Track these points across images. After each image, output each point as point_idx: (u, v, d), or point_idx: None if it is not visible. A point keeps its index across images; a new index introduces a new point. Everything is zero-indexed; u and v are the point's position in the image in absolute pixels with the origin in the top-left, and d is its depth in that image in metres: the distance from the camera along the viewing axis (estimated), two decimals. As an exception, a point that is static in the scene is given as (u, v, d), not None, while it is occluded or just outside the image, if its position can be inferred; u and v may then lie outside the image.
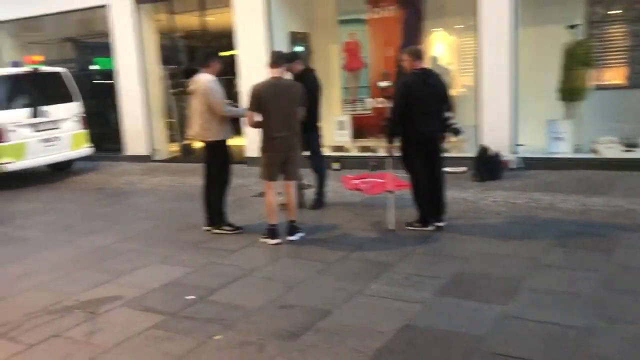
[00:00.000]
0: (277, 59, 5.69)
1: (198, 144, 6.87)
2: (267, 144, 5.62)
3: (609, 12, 9.04)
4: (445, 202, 5.86)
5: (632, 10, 8.88)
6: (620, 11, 8.99)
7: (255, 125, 5.67)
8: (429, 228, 5.78)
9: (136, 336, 3.84)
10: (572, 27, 8.58)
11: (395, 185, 6.19)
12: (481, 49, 8.36)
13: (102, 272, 5.19)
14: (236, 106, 6.58)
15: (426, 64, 5.80)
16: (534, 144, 8.68)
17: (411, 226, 5.87)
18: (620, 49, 9.05)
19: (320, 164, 6.96)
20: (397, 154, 5.78)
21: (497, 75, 8.25)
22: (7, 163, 9.34)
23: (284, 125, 5.53)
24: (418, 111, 5.52)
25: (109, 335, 3.88)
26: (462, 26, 9.81)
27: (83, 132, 10.60)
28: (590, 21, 9.09)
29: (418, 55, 5.69)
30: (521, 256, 4.94)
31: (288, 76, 6.21)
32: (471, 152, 8.36)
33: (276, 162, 5.63)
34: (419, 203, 5.84)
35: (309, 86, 6.49)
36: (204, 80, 5.88)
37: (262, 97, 5.50)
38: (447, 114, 5.70)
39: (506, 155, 8.21)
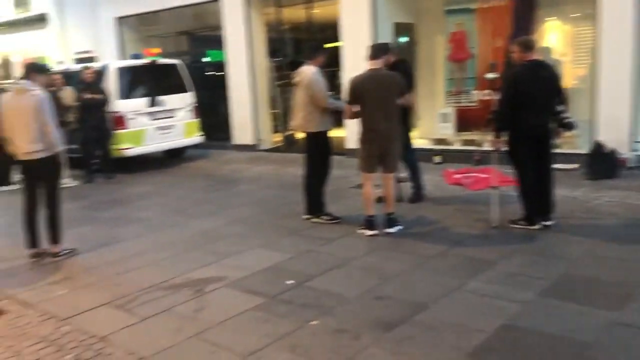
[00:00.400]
0: (376, 52, 5.67)
1: (300, 135, 7.02)
2: (365, 136, 5.64)
3: None
4: (553, 200, 5.57)
5: None
6: None
7: (354, 117, 5.72)
8: (535, 227, 5.53)
9: (238, 316, 4.04)
10: None
11: (500, 181, 5.99)
12: (600, 38, 7.82)
13: (209, 253, 5.49)
14: (339, 98, 6.65)
15: (538, 55, 5.51)
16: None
17: (516, 224, 5.65)
18: None
19: (411, 157, 6.82)
20: (504, 148, 5.58)
21: (617, 67, 7.68)
22: (127, 148, 10.08)
23: (382, 117, 5.51)
24: (528, 104, 5.28)
25: (214, 313, 4.11)
26: (579, 15, 9.22)
27: (195, 121, 11.20)
28: None
29: (529, 46, 5.43)
30: (636, 260, 4.60)
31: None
32: (584, 149, 7.87)
33: (374, 154, 5.63)
34: (525, 200, 5.60)
35: (408, 76, 6.46)
36: (309, 72, 6.00)
37: (359, 89, 5.53)
38: (560, 108, 5.41)
39: (624, 152, 7.64)
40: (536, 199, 5.57)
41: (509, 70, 9.35)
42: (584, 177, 7.53)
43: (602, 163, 7.49)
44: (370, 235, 5.65)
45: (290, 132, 11.62)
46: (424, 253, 5.10)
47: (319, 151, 6.22)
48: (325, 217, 6.25)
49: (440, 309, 3.93)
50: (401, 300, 4.12)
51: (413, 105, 5.77)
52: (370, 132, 5.59)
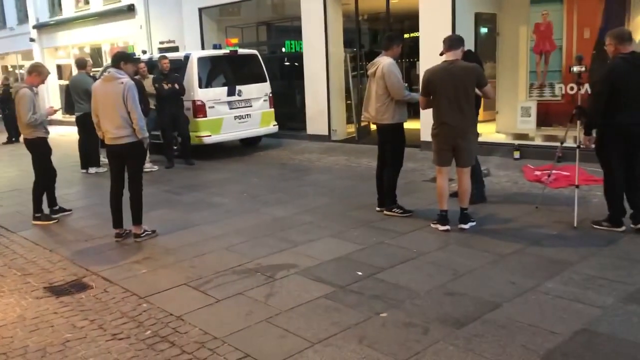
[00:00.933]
0: (453, 43, 5.50)
1: (373, 126, 6.97)
2: (437, 128, 5.53)
3: None
4: None
5: None
6: None
7: (427, 108, 5.63)
8: (621, 229, 5.25)
9: (308, 303, 4.10)
10: None
11: (583, 179, 5.72)
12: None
13: (281, 240, 5.59)
14: (416, 90, 6.55)
15: (634, 48, 5.18)
16: None
17: (599, 225, 5.38)
18: None
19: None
20: (593, 145, 5.30)
21: None
22: (206, 136, 10.42)
23: (455, 110, 5.38)
24: (623, 100, 4.98)
25: (284, 299, 4.19)
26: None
27: (271, 111, 11.41)
28: None
29: (625, 38, 5.09)
30: None
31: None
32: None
33: (446, 147, 5.51)
34: (612, 201, 5.31)
35: None
36: (384, 63, 5.96)
37: (432, 82, 5.43)
38: None
39: None
40: (622, 200, 5.28)
41: (598, 64, 8.95)
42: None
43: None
44: (443, 230, 5.57)
45: (364, 123, 11.60)
46: (499, 251, 4.96)
47: (393, 143, 6.18)
48: (397, 210, 6.21)
49: (514, 309, 3.82)
50: (473, 298, 4.04)
51: (492, 97, 5.54)
52: (442, 125, 5.48)
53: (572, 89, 9.16)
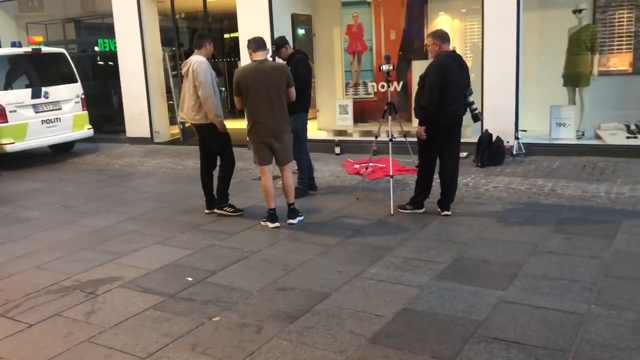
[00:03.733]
0: (258, 44, 5.53)
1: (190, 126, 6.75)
2: (252, 128, 5.56)
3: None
4: (455, 190, 5.83)
5: (639, -5, 8.78)
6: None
7: (242, 108, 5.66)
8: (421, 210, 5.82)
9: (135, 317, 3.85)
10: (577, 11, 8.48)
11: (396, 170, 6.18)
12: (486, 32, 8.27)
13: (102, 252, 5.20)
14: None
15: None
16: (537, 129, 8.63)
17: (404, 209, 5.89)
18: (626, 35, 8.96)
19: (299, 151, 6.45)
20: (424, 135, 5.59)
21: (502, 60, 8.18)
22: (8, 143, 9.33)
23: (266, 109, 5.41)
24: (448, 94, 5.43)
25: (108, 316, 3.90)
26: (467, 10, 9.71)
27: (84, 113, 10.57)
28: (596, 6, 9.00)
29: (446, 38, 5.58)
30: (521, 242, 4.93)
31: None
32: (473, 137, 8.32)
33: (262, 145, 5.55)
34: (421, 186, 5.83)
35: (301, 66, 6.46)
36: (195, 61, 5.82)
37: (242, 82, 5.43)
38: (470, 99, 5.64)
39: (509, 140, 8.17)
40: (429, 184, 5.81)
41: (404, 64, 9.73)
42: (473, 164, 7.97)
43: (489, 151, 7.96)
44: (273, 228, 5.62)
45: (188, 124, 11.29)
46: (325, 242, 5.15)
47: (213, 143, 6.06)
48: (228, 209, 6.14)
49: (341, 297, 3.99)
50: (303, 291, 4.13)
51: (292, 99, 5.64)
52: (255, 124, 5.50)
53: (382, 86, 9.86)
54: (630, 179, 6.75)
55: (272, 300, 4.01)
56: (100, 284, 4.45)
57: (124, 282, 4.47)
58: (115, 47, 11.68)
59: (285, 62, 6.59)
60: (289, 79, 5.52)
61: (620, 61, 9.07)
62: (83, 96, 10.55)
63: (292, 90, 5.58)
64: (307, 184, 6.81)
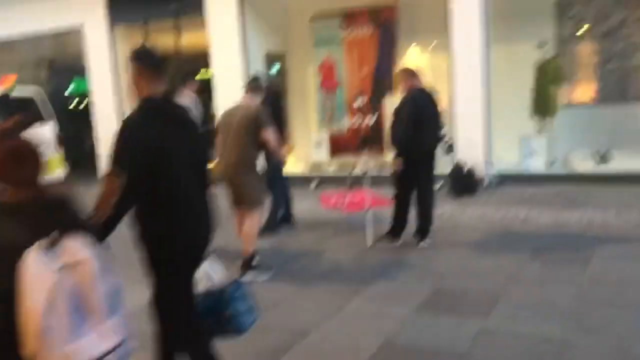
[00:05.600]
0: (249, 86, 5.52)
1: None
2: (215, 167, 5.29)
3: (577, 30, 9.30)
4: (431, 221, 5.88)
5: (600, 28, 9.15)
6: (589, 29, 9.25)
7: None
8: (398, 242, 5.87)
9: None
10: (542, 44, 8.78)
11: (374, 202, 6.21)
12: (454, 66, 8.49)
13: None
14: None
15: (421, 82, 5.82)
16: (508, 159, 8.81)
17: (381, 241, 5.93)
18: (589, 66, 9.29)
19: (272, 185, 6.41)
20: (401, 168, 5.65)
21: (471, 92, 8.38)
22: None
23: (228, 151, 5.21)
24: (422, 127, 5.53)
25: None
26: (435, 44, 9.98)
27: (57, 156, 10.42)
28: (560, 39, 9.33)
29: (416, 74, 5.73)
30: (498, 270, 4.97)
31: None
32: (446, 169, 8.44)
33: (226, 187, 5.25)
34: (397, 218, 5.88)
35: (268, 107, 6.53)
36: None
37: (218, 122, 5.43)
38: (442, 131, 5.76)
39: (481, 171, 8.30)
40: (407, 217, 5.86)
41: (376, 100, 9.89)
42: (447, 195, 8.06)
43: (462, 181, 8.08)
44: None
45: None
46: (304, 278, 5.11)
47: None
48: None
49: (322, 334, 3.94)
50: (283, 329, 4.07)
51: (270, 143, 5.37)
52: (217, 164, 5.27)
53: (356, 121, 10.00)
54: (601, 205, 6.89)
55: (251, 340, 3.92)
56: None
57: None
58: (89, 89, 11.66)
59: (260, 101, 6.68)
60: (258, 122, 5.19)
61: (585, 92, 9.38)
62: (57, 137, 10.42)
63: (266, 134, 5.23)
64: (274, 221, 6.71)
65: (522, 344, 3.56)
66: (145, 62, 2.93)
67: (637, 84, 9.10)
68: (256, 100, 5.44)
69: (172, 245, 2.79)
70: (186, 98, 5.87)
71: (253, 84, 5.58)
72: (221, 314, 2.98)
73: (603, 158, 8.61)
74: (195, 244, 2.91)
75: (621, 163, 8.39)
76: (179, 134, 2.87)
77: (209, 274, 2.98)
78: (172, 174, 2.79)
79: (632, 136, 9.12)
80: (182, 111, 3.11)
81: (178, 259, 2.83)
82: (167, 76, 2.96)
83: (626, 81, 9.13)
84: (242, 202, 5.25)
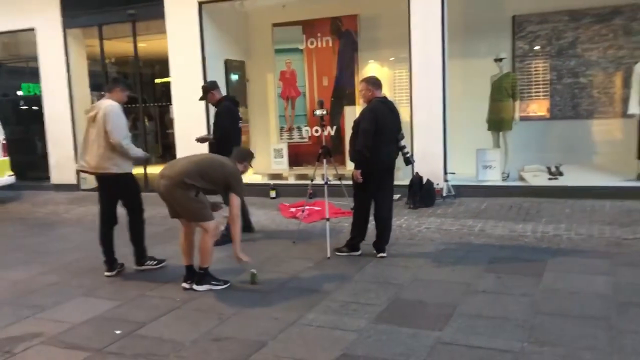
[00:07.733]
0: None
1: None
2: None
3: (532, 47, 9.57)
4: (390, 232, 5.89)
5: (554, 46, 9.44)
6: (543, 46, 9.53)
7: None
8: (358, 253, 5.85)
9: (57, 376, 3.59)
10: (498, 60, 8.99)
11: (333, 212, 6.20)
12: (414, 79, 8.58)
13: (22, 307, 4.85)
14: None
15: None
16: (464, 172, 8.95)
17: (340, 252, 5.89)
18: (543, 82, 9.56)
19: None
20: (361, 179, 5.61)
21: (429, 106, 8.48)
22: None
23: (165, 167, 5.08)
24: (381, 138, 5.53)
25: (26, 376, 3.61)
26: (395, 58, 10.09)
27: (5, 159, 10.05)
28: (516, 55, 9.59)
29: (379, 85, 5.73)
30: (455, 282, 5.01)
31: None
32: (405, 180, 8.51)
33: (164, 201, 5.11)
34: (356, 229, 5.86)
35: (222, 116, 6.46)
36: (106, 105, 5.48)
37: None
38: (402, 143, 5.77)
39: (439, 183, 8.40)
40: (366, 228, 5.85)
41: (337, 109, 9.92)
42: (405, 206, 8.12)
43: (420, 193, 8.15)
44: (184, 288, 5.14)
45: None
46: (261, 288, 5.04)
47: (126, 196, 5.64)
48: (150, 263, 5.77)
49: (279, 345, 3.87)
50: (240, 340, 3.98)
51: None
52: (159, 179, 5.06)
53: (317, 131, 10.00)
54: (554, 218, 7.06)
55: (206, 352, 3.84)
56: (18, 342, 4.12)
57: (45, 338, 4.17)
58: (40, 91, 11.29)
59: (214, 106, 6.62)
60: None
61: (539, 107, 9.65)
62: (4, 142, 10.06)
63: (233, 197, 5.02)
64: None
65: (477, 355, 3.58)
66: None
67: (589, 101, 9.41)
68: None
69: None
70: (104, 102, 5.51)
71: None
72: None
73: (555, 172, 8.85)
74: None
75: (573, 177, 8.64)
76: None
77: None
78: None
79: (583, 151, 9.43)
80: None
81: None
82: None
83: (579, 97, 9.43)
84: (186, 216, 5.10)
